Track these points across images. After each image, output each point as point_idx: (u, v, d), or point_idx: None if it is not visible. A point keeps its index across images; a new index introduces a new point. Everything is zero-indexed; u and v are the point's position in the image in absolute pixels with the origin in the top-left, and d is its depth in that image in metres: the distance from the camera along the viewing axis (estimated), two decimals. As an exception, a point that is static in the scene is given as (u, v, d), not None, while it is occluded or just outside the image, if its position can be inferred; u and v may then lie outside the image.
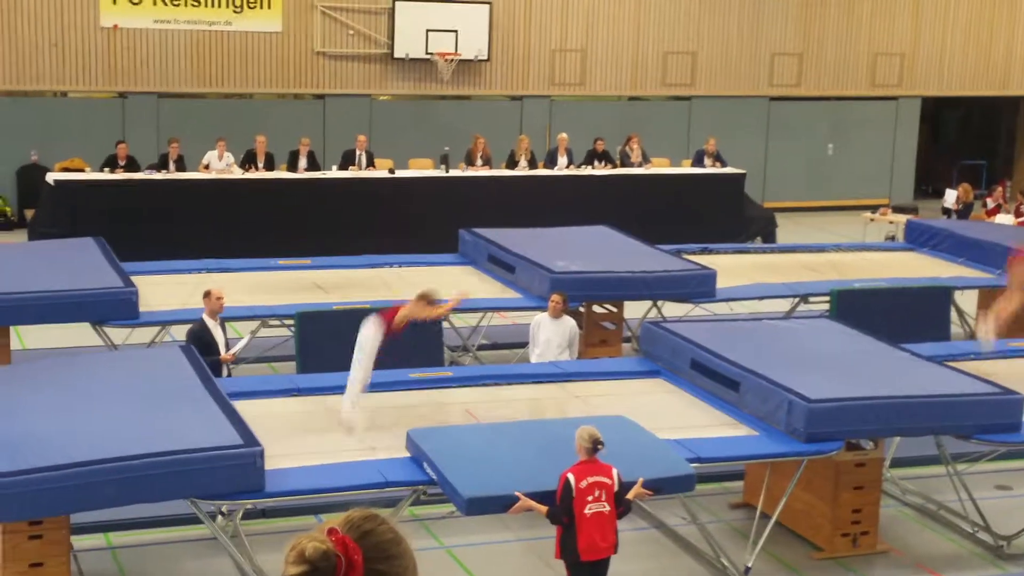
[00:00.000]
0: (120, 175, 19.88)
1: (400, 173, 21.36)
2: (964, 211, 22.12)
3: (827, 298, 15.19)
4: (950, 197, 22.40)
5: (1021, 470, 12.82)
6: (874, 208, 24.19)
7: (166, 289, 14.16)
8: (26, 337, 15.02)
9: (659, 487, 9.17)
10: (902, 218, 21.51)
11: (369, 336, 10.39)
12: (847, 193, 27.29)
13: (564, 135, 22.28)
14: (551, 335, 12.71)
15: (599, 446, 8.58)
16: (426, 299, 10.71)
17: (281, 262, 15.90)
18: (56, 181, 19.78)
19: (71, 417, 9.41)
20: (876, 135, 27.66)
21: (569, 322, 12.91)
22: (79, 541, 9.97)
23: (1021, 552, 11.00)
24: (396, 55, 23.75)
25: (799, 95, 27.00)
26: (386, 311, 10.65)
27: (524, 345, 13.13)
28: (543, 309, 13.11)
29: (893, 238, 21.56)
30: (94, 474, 8.44)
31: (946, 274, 16.72)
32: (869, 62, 27.27)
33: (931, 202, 26.14)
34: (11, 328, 13.70)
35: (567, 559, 8.67)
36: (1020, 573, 10.73)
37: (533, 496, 8.68)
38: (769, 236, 22.65)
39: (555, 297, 12.89)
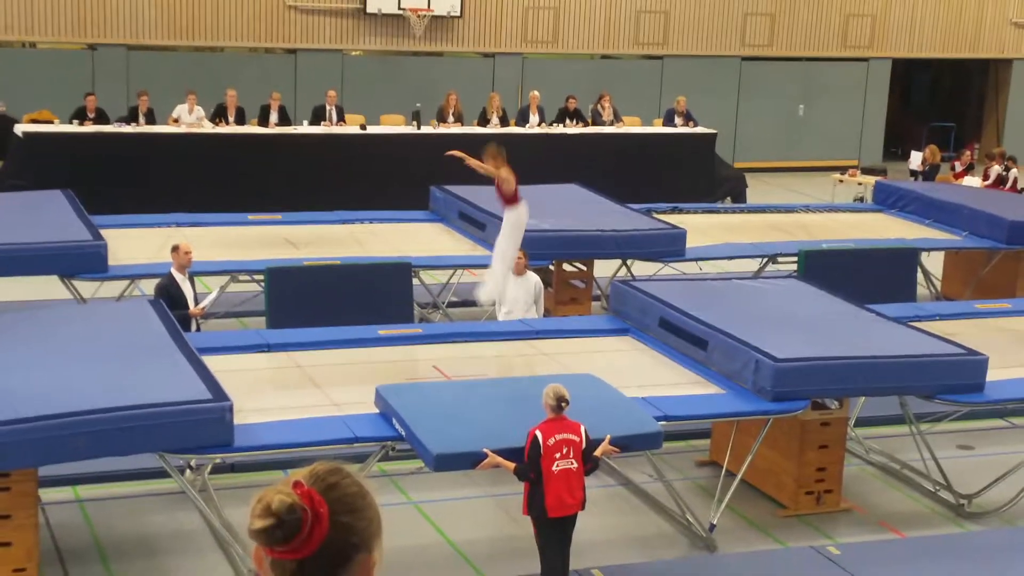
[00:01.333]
0: (89, 127, 19.74)
1: (371, 129, 21.28)
2: (930, 172, 22.24)
3: (795, 258, 15.29)
4: (916, 159, 22.52)
5: (983, 430, 12.99)
6: (843, 169, 24.29)
7: (135, 243, 14.11)
8: (-7, 290, 14.95)
9: (626, 444, 9.24)
10: (871, 179, 21.63)
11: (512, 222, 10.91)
12: (817, 154, 27.39)
13: (536, 93, 22.24)
14: (517, 293, 12.73)
15: (564, 404, 8.63)
16: (491, 152, 11.31)
17: (251, 217, 15.85)
18: (24, 133, 19.62)
19: (39, 370, 9.39)
20: (847, 96, 27.73)
21: (533, 278, 12.94)
22: (47, 494, 9.98)
23: (982, 511, 11.16)
24: (368, 10, 23.61)
25: (771, 55, 27.02)
26: (499, 197, 11.78)
27: (493, 303, 13.17)
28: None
29: (862, 199, 21.67)
30: (62, 427, 8.44)
31: (913, 236, 16.84)
32: (841, 23, 27.30)
33: (900, 164, 26.25)
34: (-22, 280, 13.62)
35: (534, 515, 8.74)
36: (980, 531, 10.89)
37: (501, 453, 8.73)
38: (739, 196, 22.72)
39: (519, 254, 12.88)
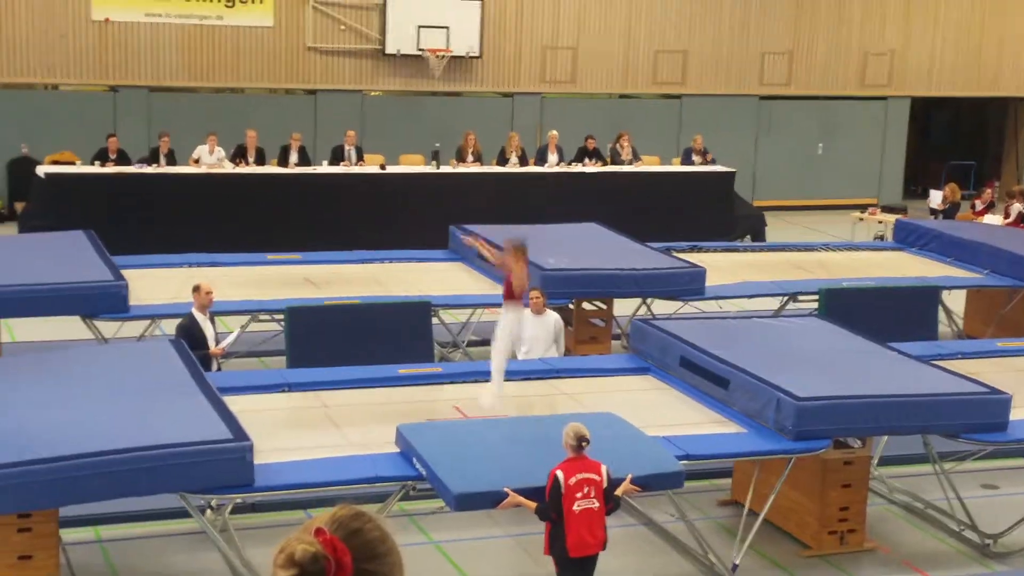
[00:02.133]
0: (111, 168, 19.85)
1: (391, 169, 21.35)
2: (950, 211, 22.19)
3: (816, 297, 15.24)
4: (935, 197, 22.46)
5: (1007, 469, 12.88)
6: (863, 208, 24.26)
7: (156, 283, 14.15)
8: (16, 330, 15.01)
9: (648, 484, 9.20)
10: (891, 218, 21.58)
11: (510, 320, 10.85)
12: (836, 192, 27.36)
13: (554, 132, 22.30)
14: (537, 331, 12.70)
15: (584, 443, 8.60)
16: (518, 248, 11.04)
17: (271, 257, 15.90)
18: (47, 174, 19.75)
19: (61, 411, 9.41)
20: (865, 135, 27.73)
21: (553, 316, 12.92)
22: (68, 534, 9.97)
23: (1007, 551, 11.05)
24: (387, 51, 23.75)
25: (789, 94, 27.05)
26: (505, 290, 11.26)
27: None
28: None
29: (882, 237, 21.62)
30: (83, 467, 8.44)
31: (934, 273, 16.78)
32: (859, 61, 27.33)
33: (920, 202, 26.19)
34: (1, 321, 13.67)
35: (556, 555, 8.70)
36: (1006, 571, 10.78)
37: (522, 492, 8.70)
38: (758, 234, 22.69)
39: (534, 293, 12.85)
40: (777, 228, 23.30)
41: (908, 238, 18.44)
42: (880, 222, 22.73)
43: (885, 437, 11.77)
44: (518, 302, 11.35)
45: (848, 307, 14.57)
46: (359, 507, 2.48)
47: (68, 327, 13.96)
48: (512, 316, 11.28)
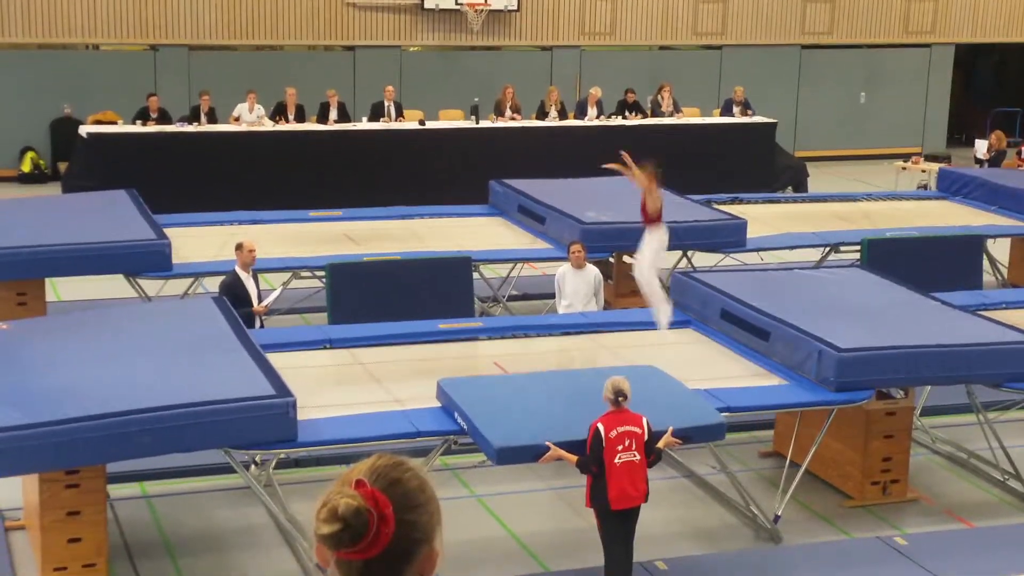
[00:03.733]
0: (152, 128, 19.95)
1: (430, 124, 21.34)
2: (996, 159, 21.91)
3: (858, 247, 15.14)
4: (981, 147, 22.15)
5: (1052, 419, 12.79)
6: (906, 157, 24.01)
7: (198, 241, 14.25)
8: (61, 289, 15.17)
9: (689, 436, 9.21)
10: (934, 166, 21.36)
11: (653, 243, 11.03)
12: (879, 142, 27.10)
13: (596, 89, 22.12)
14: (577, 286, 12.71)
15: (622, 398, 8.61)
16: (651, 172, 11.27)
17: (312, 214, 15.95)
18: (89, 134, 19.87)
19: (106, 368, 9.52)
20: (909, 83, 27.41)
21: (593, 271, 12.91)
22: (115, 490, 10.12)
23: (1052, 500, 11.00)
24: (426, 6, 23.65)
25: (831, 43, 26.76)
26: (643, 215, 11.63)
27: (554, 296, 13.16)
28: (574, 260, 13.09)
29: (925, 187, 21.42)
30: (129, 424, 8.54)
31: (978, 222, 16.62)
32: (902, 8, 26.98)
33: (964, 150, 25.92)
34: (46, 280, 13.82)
35: (597, 508, 8.73)
36: (1050, 521, 10.74)
37: (563, 446, 8.73)
38: (800, 185, 22.54)
39: (575, 247, 12.86)
40: (819, 179, 23.13)
41: (952, 187, 18.26)
42: (924, 171, 22.50)
43: (928, 387, 11.71)
44: (658, 223, 11.55)
45: (891, 257, 14.47)
46: (397, 456, 2.49)
47: (112, 286, 14.10)
48: (654, 239, 11.48)
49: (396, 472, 2.45)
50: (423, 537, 2.43)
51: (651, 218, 11.60)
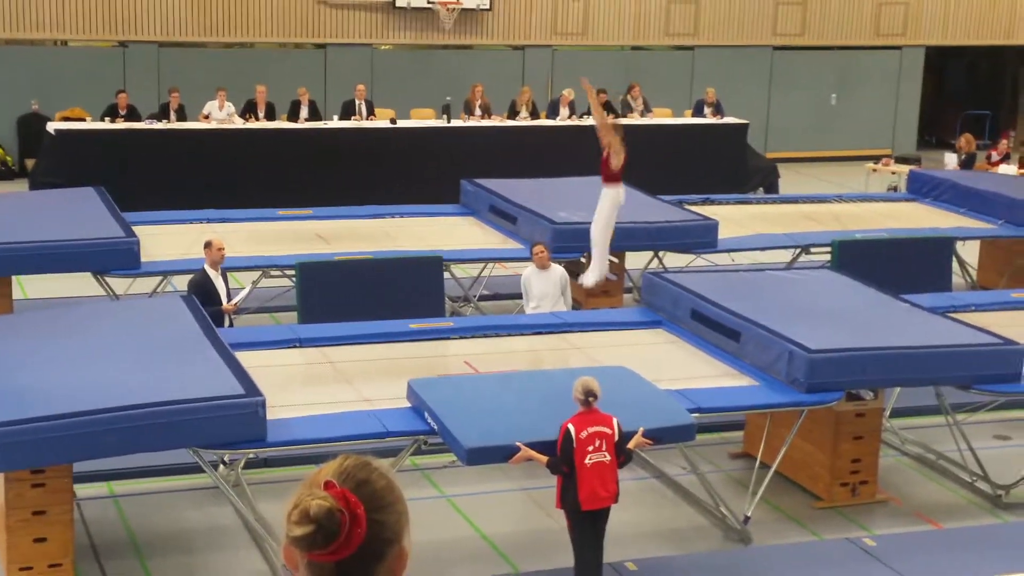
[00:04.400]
0: (121, 125, 19.82)
1: (402, 123, 21.28)
2: (966, 161, 22.02)
3: (829, 249, 15.18)
4: (951, 160, 22.08)
5: (1020, 420, 12.86)
6: (877, 159, 24.11)
7: (167, 239, 14.16)
8: (28, 287, 15.05)
9: (659, 437, 9.20)
10: (905, 168, 21.44)
11: (609, 201, 11.02)
12: (850, 143, 27.21)
13: (569, 91, 22.08)
14: (544, 287, 12.67)
15: (592, 399, 8.59)
16: (617, 125, 11.37)
17: (282, 212, 15.88)
18: (57, 131, 19.73)
19: (73, 367, 9.44)
20: (880, 85, 27.53)
21: (558, 270, 12.88)
22: (82, 489, 10.03)
23: (1019, 501, 11.05)
24: (398, 4, 23.60)
25: (803, 44, 26.85)
26: (603, 171, 11.81)
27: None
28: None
29: (895, 188, 21.51)
30: (96, 423, 8.47)
31: (948, 224, 16.69)
32: (873, 11, 27.10)
33: (934, 152, 26.06)
34: (12, 278, 13.70)
35: (568, 508, 8.71)
36: (1018, 522, 10.79)
37: (534, 446, 8.71)
38: (771, 187, 22.60)
39: (538, 248, 12.82)
40: (790, 180, 23.20)
41: (922, 189, 18.34)
42: (894, 173, 22.60)
43: (897, 389, 11.75)
44: (617, 183, 11.50)
45: (861, 259, 14.51)
46: (363, 456, 2.48)
47: (80, 284, 14.00)
48: (611, 197, 11.44)
49: (364, 473, 2.44)
50: (393, 537, 2.43)
51: (612, 176, 11.59)
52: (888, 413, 11.82)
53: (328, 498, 2.37)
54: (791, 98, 26.85)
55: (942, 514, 10.88)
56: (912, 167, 21.03)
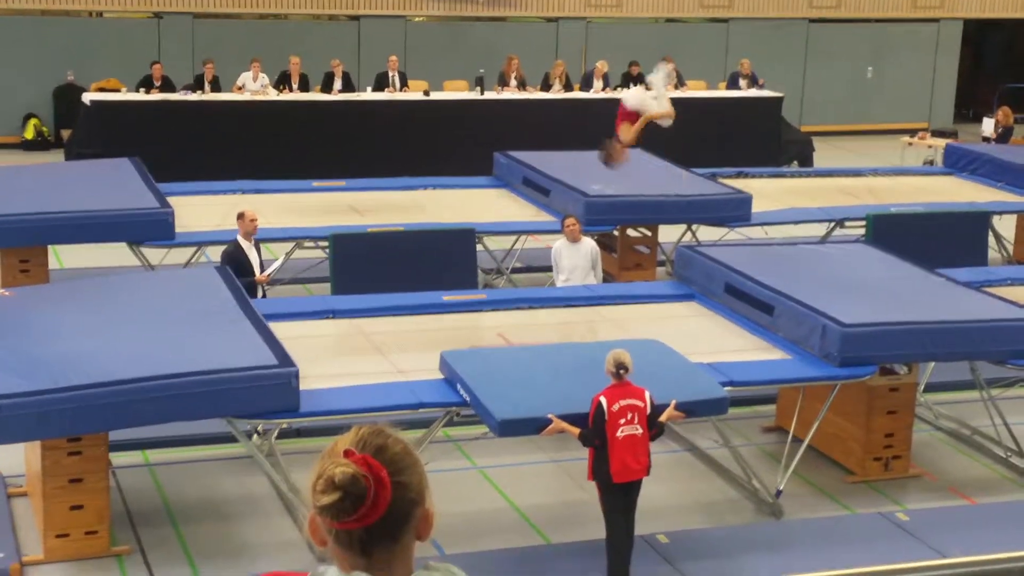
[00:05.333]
0: (156, 96, 19.89)
1: (435, 95, 21.26)
2: (1004, 135, 21.81)
3: (863, 223, 15.09)
4: (988, 126, 22.02)
5: (1056, 396, 12.77)
6: (913, 132, 23.91)
7: (201, 210, 14.21)
8: (64, 257, 15.15)
9: (692, 410, 9.19)
10: (941, 142, 21.27)
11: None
12: (886, 117, 27.00)
13: (603, 63, 21.99)
14: (575, 260, 12.65)
15: (623, 371, 8.59)
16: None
17: (316, 184, 15.90)
18: (92, 101, 19.81)
19: (109, 336, 9.51)
20: (917, 58, 27.29)
21: (589, 243, 12.85)
22: (117, 458, 10.11)
23: (1054, 478, 10.99)
24: (431, -25, 23.54)
25: (839, 17, 26.62)
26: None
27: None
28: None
29: (931, 162, 21.35)
30: (132, 392, 8.54)
31: (984, 199, 16.56)
32: (911, -17, 26.82)
33: (971, 126, 25.82)
34: (49, 248, 13.80)
35: (599, 481, 8.73)
36: (1052, 499, 10.73)
37: (566, 418, 8.72)
38: (806, 160, 22.46)
39: (569, 221, 12.79)
40: (825, 153, 23.05)
41: (958, 163, 18.19)
42: (930, 146, 22.42)
43: (932, 363, 11.69)
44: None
45: (896, 233, 14.42)
46: (376, 424, 2.50)
47: (115, 254, 14.08)
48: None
49: (379, 439, 2.48)
50: (417, 497, 2.46)
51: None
52: (922, 387, 11.77)
53: (351, 464, 2.40)
54: (827, 71, 26.64)
55: (976, 489, 10.83)
56: (948, 140, 20.87)
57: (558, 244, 12.86)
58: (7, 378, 8.57)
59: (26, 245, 13.17)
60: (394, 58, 21.27)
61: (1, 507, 9.62)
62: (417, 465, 2.49)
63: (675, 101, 21.59)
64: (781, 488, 10.19)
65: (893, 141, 23.87)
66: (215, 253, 12.96)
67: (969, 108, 28.52)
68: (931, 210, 15.61)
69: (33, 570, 8.91)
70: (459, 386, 9.24)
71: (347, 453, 2.42)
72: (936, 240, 14.48)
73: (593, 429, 8.57)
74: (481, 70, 21.87)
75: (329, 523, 2.41)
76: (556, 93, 21.50)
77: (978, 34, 29.56)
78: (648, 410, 8.63)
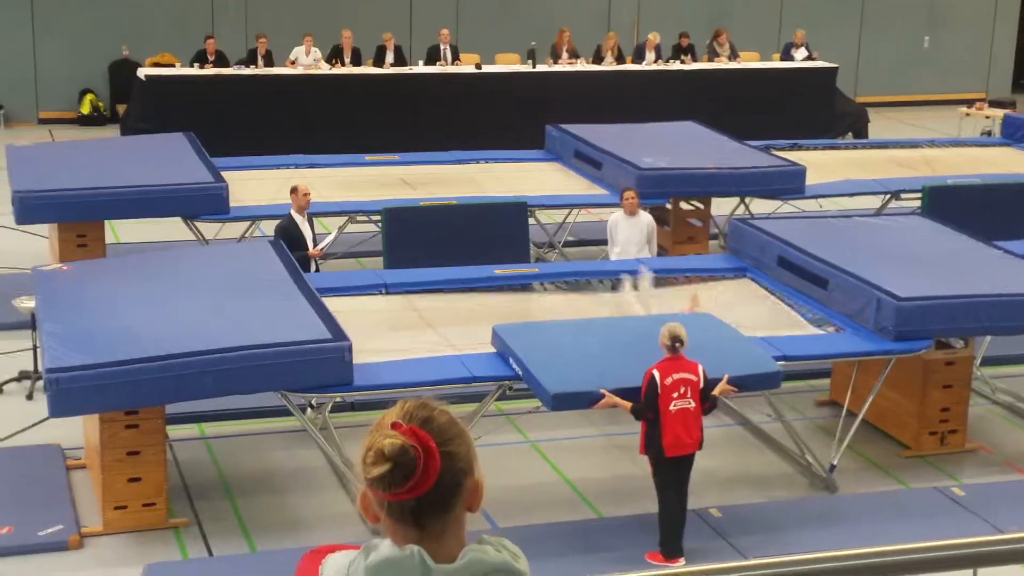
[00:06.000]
0: (210, 70, 19.99)
1: (486, 68, 21.23)
2: (1064, 105, 21.52)
3: (919, 195, 14.93)
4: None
5: (1115, 370, 12.62)
6: (970, 103, 23.58)
7: (255, 184, 14.30)
8: (120, 232, 15.31)
9: (745, 384, 9.16)
10: (999, 112, 20.99)
11: None
12: (942, 87, 26.64)
13: (655, 34, 21.85)
14: (630, 233, 12.62)
15: (679, 344, 8.58)
16: None
17: (368, 158, 15.94)
18: (147, 76, 19.95)
19: (165, 310, 9.61)
20: (974, 26, 26.89)
21: (646, 218, 12.81)
22: (174, 431, 10.23)
23: (1113, 453, 10.87)
24: (482, -52, 23.45)
25: (894, -14, 26.28)
26: None
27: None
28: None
29: (989, 133, 21.07)
30: (188, 366, 8.64)
31: (1043, 170, 16.32)
32: (969, -49, 26.43)
33: (1030, 96, 25.45)
34: (106, 222, 13.94)
35: (652, 455, 8.73)
36: (1111, 474, 10.61)
37: (618, 392, 8.72)
38: (861, 131, 22.24)
39: (629, 193, 12.75)
40: (880, 124, 22.80)
41: (1016, 133, 17.94)
42: (988, 117, 22.12)
43: (988, 337, 11.57)
44: None
45: (952, 205, 14.25)
46: (420, 398, 2.53)
47: (170, 228, 14.21)
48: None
49: (425, 411, 2.50)
50: (466, 467, 2.47)
51: None
52: (979, 361, 11.66)
53: (399, 436, 2.42)
54: (882, 40, 26.33)
55: (1032, 464, 10.74)
56: (1007, 111, 20.58)
57: (615, 216, 12.82)
58: (66, 352, 8.69)
59: (83, 220, 13.30)
60: (446, 31, 21.25)
61: (60, 479, 9.76)
62: (464, 435, 2.51)
63: (729, 72, 21.57)
64: (835, 463, 10.15)
65: (950, 111, 23.57)
66: (269, 227, 13.05)
67: (1028, 77, 28.10)
68: (988, 182, 15.42)
69: (92, 541, 9.04)
70: (511, 360, 9.26)
71: (394, 425, 2.45)
72: (993, 212, 14.30)
73: (646, 402, 8.56)
74: (533, 43, 21.79)
75: (381, 495, 2.43)
76: (608, 65, 21.40)
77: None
78: (701, 384, 8.62)
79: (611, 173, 14.79)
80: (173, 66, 20.97)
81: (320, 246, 12.12)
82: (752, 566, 3.27)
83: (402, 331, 10.38)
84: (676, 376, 8.55)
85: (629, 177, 14.17)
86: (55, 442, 10.33)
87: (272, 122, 19.32)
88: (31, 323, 10.70)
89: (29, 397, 11.23)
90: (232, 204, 13.32)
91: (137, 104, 19.97)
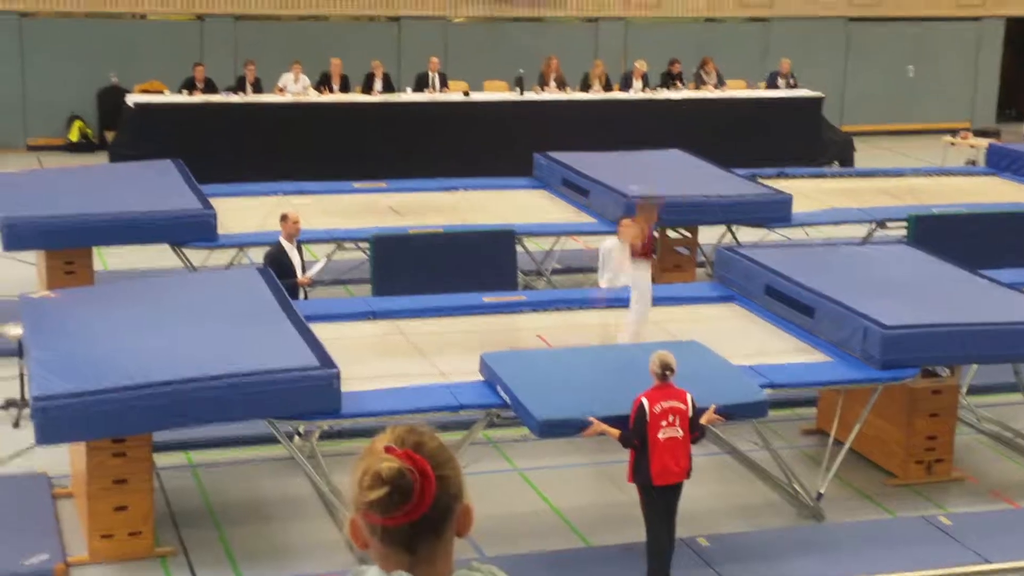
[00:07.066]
0: (198, 97, 20.03)
1: (475, 96, 21.30)
2: (1048, 135, 21.64)
3: (905, 223, 15.00)
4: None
5: (1101, 399, 12.65)
6: (955, 132, 23.71)
7: (243, 211, 14.30)
8: (108, 258, 15.29)
9: (732, 413, 9.18)
10: (983, 142, 21.09)
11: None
12: (927, 116, 26.78)
13: (642, 62, 21.97)
14: (623, 260, 12.61)
15: (668, 372, 8.60)
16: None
17: (357, 185, 15.97)
18: (136, 103, 19.97)
19: (152, 338, 9.60)
20: (959, 57, 27.06)
21: (640, 247, 12.81)
22: (161, 459, 10.20)
23: (1098, 481, 10.90)
24: (471, -24, 23.57)
25: (879, 15, 26.46)
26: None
27: (596, 270, 13.12)
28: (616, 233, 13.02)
29: (974, 162, 21.18)
30: (176, 394, 8.63)
31: (1028, 199, 16.40)
32: (953, -19, 26.62)
33: (1014, 126, 25.61)
34: (93, 249, 13.93)
35: (640, 483, 8.73)
36: (1097, 502, 10.65)
37: (606, 420, 8.73)
38: (846, 160, 22.34)
39: (626, 221, 12.77)
40: (866, 153, 22.91)
41: (1001, 163, 18.04)
42: (972, 146, 22.23)
43: (974, 366, 11.61)
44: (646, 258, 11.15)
45: (938, 234, 14.31)
46: (409, 424, 2.56)
47: (158, 255, 14.20)
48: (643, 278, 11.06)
49: (416, 436, 2.52)
50: (457, 492, 2.50)
51: (643, 252, 11.09)
52: (965, 390, 11.70)
53: (395, 460, 2.44)
54: (867, 70, 26.47)
55: (1019, 493, 10.76)
56: (991, 140, 20.69)
57: (610, 242, 12.82)
58: (52, 379, 8.68)
59: (71, 247, 13.29)
60: (435, 59, 21.33)
61: (46, 508, 9.73)
62: (453, 460, 2.53)
63: (716, 100, 21.66)
64: (822, 491, 10.16)
65: (935, 141, 23.68)
66: (257, 254, 13.05)
67: (1012, 107, 28.28)
68: (973, 211, 15.50)
69: (78, 571, 9.01)
70: (499, 388, 9.27)
71: (388, 449, 2.46)
72: (978, 241, 14.36)
73: (634, 430, 8.57)
74: (521, 71, 21.87)
75: (376, 519, 2.45)
76: (595, 93, 21.49)
77: (1021, 32, 29.29)
78: (690, 413, 8.63)
79: (598, 201, 14.83)
80: (162, 93, 20.99)
81: (309, 273, 12.13)
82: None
83: (390, 359, 10.38)
84: (665, 404, 8.57)
85: (617, 205, 14.20)
86: (41, 470, 10.29)
87: (260, 149, 19.34)
88: (18, 351, 10.67)
89: (16, 425, 11.19)
90: (220, 231, 13.32)
91: (125, 131, 19.98)
